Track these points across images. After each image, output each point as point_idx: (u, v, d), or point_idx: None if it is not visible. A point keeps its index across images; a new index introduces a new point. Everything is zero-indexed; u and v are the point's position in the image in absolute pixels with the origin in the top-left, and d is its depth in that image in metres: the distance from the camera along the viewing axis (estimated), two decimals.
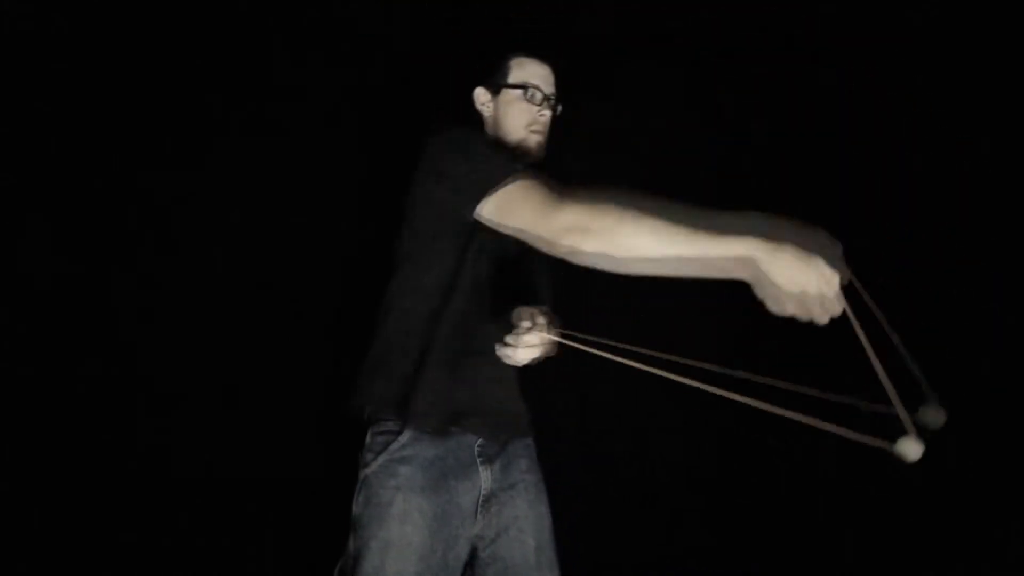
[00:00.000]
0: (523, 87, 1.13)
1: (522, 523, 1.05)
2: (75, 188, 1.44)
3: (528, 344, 0.93)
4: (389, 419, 1.01)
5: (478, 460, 1.03)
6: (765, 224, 0.70)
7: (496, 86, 1.17)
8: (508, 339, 0.93)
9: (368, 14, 1.63)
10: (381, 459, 0.97)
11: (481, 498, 1.02)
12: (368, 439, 1.03)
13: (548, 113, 1.15)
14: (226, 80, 1.56)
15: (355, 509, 0.97)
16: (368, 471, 0.98)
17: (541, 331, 0.93)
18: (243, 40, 1.57)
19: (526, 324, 0.93)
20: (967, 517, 1.39)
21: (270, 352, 1.56)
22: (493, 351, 0.95)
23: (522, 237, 0.91)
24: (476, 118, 1.21)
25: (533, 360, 0.98)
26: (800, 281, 0.65)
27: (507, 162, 0.98)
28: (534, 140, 1.14)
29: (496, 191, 0.91)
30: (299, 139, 1.61)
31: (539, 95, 1.14)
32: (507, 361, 0.96)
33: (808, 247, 0.67)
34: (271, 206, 1.59)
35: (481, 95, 1.19)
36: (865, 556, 1.54)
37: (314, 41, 1.61)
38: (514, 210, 0.90)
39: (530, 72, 1.15)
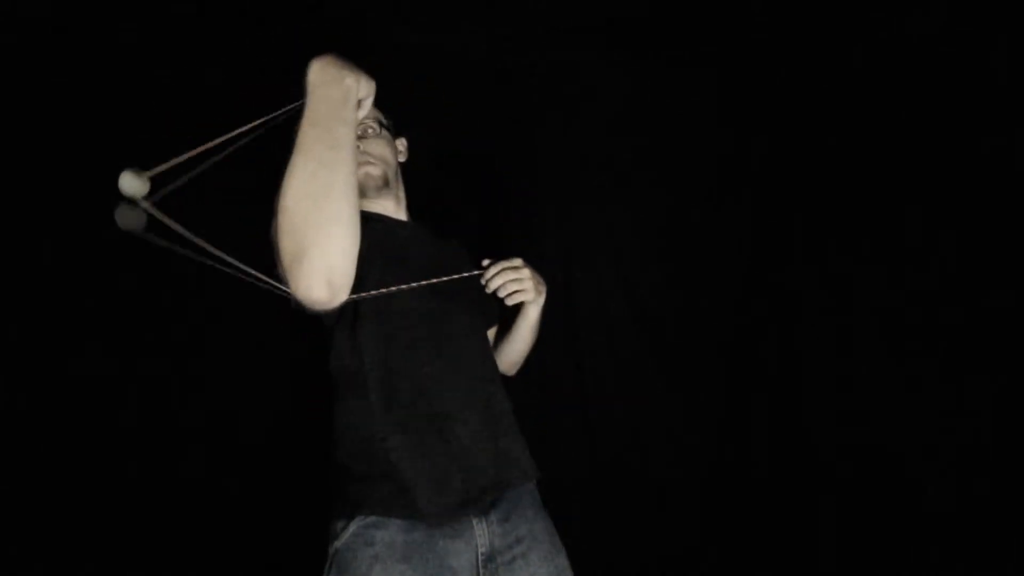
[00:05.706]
0: None
1: None
2: (74, 188, 1.44)
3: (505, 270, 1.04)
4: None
5: (470, 513, 0.89)
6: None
7: None
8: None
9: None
10: (353, 527, 0.85)
11: (481, 558, 0.88)
12: (337, 506, 0.91)
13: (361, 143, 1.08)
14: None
15: None
16: (339, 543, 0.85)
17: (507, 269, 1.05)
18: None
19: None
20: (967, 515, 1.39)
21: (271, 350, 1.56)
22: (458, 408, 0.91)
23: None
24: None
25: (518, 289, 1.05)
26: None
27: None
28: (361, 172, 1.06)
29: None
30: None
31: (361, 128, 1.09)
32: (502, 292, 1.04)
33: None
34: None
35: None
36: (865, 555, 1.55)
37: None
38: None
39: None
